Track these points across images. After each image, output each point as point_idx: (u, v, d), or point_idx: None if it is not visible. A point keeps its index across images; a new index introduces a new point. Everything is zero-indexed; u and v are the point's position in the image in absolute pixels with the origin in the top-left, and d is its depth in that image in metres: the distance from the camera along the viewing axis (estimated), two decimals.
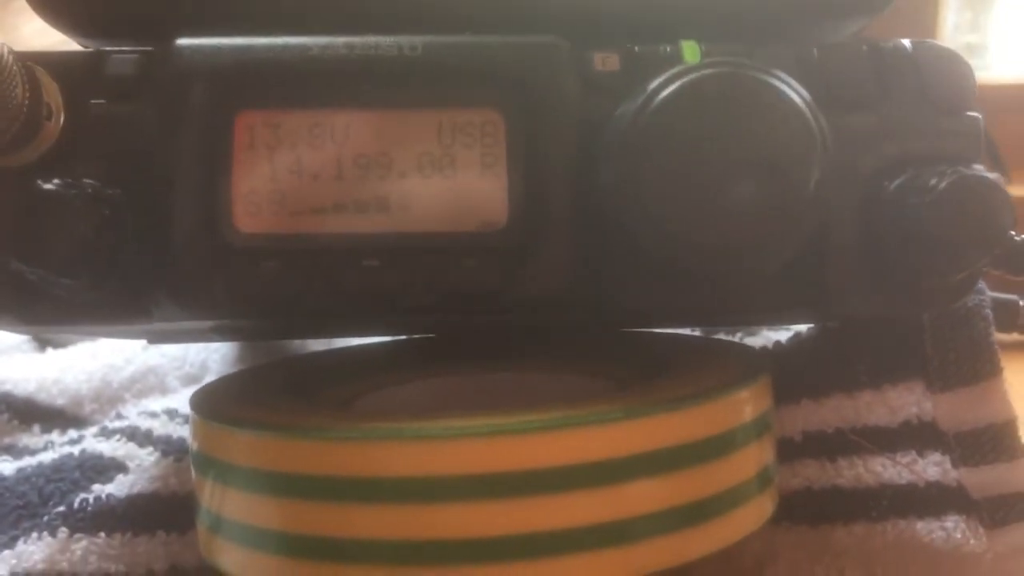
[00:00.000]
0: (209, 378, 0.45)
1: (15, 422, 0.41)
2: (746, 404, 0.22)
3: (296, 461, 0.20)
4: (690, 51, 0.23)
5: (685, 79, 0.20)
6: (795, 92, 0.20)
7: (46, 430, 0.41)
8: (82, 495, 0.30)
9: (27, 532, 0.29)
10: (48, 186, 0.20)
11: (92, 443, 0.37)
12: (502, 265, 0.22)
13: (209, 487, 0.23)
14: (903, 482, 0.28)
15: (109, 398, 0.43)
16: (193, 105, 0.22)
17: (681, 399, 0.21)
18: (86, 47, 0.27)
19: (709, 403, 0.21)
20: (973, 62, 0.24)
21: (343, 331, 0.31)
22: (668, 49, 0.23)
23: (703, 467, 0.20)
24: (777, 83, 0.20)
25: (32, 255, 0.19)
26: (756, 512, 0.22)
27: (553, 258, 0.22)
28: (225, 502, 0.22)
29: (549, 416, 0.20)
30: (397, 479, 0.19)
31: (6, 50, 0.20)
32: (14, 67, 0.20)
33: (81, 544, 0.29)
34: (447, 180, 0.22)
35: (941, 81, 0.23)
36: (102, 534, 0.29)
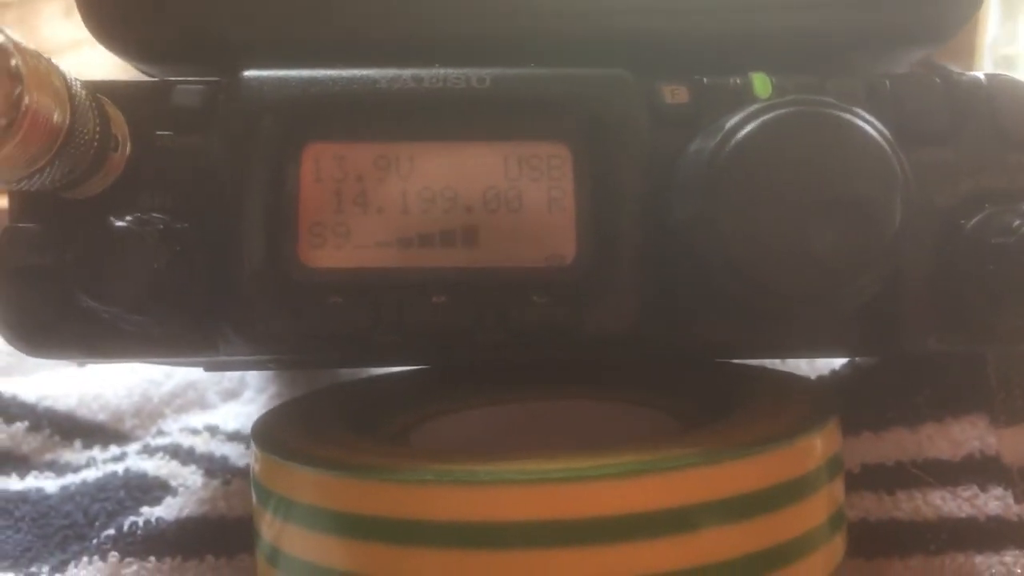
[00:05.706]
0: (248, 392, 0.45)
1: (56, 438, 0.41)
2: (820, 447, 0.21)
3: (365, 502, 0.20)
4: (761, 84, 0.23)
5: (765, 117, 0.19)
6: (875, 129, 0.20)
7: (87, 446, 0.41)
8: (131, 518, 0.30)
9: (77, 556, 0.29)
10: (120, 223, 0.19)
11: (135, 461, 0.37)
12: (572, 301, 0.22)
13: (268, 519, 0.22)
14: (963, 516, 0.27)
15: (149, 413, 0.43)
16: (260, 137, 0.21)
17: (756, 444, 0.20)
18: (143, 72, 0.27)
19: (784, 448, 0.20)
20: (1012, 74, 0.24)
21: (406, 362, 0.30)
22: (738, 81, 0.23)
23: (778, 513, 0.20)
24: (858, 120, 0.20)
25: (105, 294, 0.19)
26: (829, 555, 0.21)
27: (623, 293, 0.22)
28: (284, 536, 0.22)
29: (624, 461, 0.19)
30: (470, 523, 0.19)
31: (78, 84, 0.20)
32: (86, 101, 0.20)
33: (132, 568, 0.29)
34: (513, 214, 0.22)
35: (1016, 115, 0.23)
36: (152, 558, 0.29)
